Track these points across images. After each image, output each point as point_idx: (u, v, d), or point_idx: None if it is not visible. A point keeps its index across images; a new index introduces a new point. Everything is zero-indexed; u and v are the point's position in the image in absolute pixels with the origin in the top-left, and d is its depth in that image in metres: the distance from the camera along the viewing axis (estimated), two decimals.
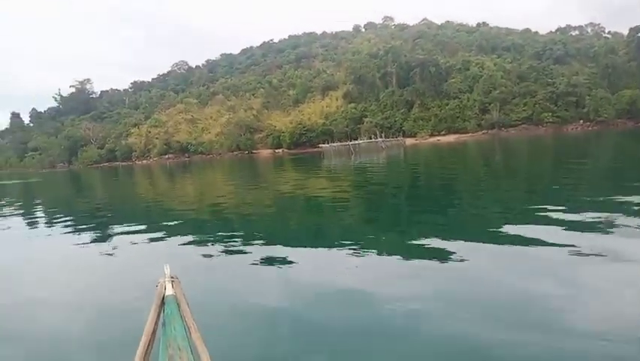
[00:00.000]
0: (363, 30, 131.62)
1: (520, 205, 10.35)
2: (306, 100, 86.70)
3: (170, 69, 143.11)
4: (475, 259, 6.18)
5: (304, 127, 76.28)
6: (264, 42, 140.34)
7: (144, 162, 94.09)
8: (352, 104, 77.70)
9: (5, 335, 5.05)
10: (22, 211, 18.55)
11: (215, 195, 19.92)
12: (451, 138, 65.37)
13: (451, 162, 29.10)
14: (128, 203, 20.33)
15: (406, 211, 11.71)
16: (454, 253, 6.45)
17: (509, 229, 7.60)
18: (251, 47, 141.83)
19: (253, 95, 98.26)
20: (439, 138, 66.85)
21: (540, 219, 8.16)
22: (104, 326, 5.00)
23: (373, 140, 60.72)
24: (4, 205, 21.50)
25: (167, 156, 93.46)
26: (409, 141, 64.97)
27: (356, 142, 58.73)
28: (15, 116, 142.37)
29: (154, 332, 2.41)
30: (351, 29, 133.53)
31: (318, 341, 4.19)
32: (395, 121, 72.39)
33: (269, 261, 6.96)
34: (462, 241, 7.14)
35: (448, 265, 6.01)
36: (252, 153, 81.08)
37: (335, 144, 59.87)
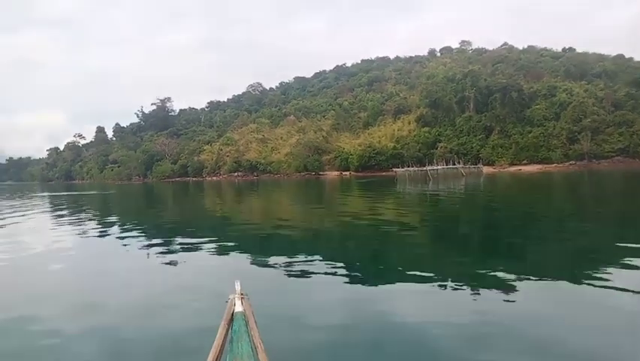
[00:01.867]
0: (439, 54, 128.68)
1: (609, 255, 8.51)
2: (376, 123, 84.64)
3: (245, 90, 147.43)
4: (539, 304, 5.80)
5: (374, 150, 74.01)
6: (337, 66, 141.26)
7: (214, 178, 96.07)
8: (426, 128, 74.54)
9: (74, 347, 4.92)
10: (99, 222, 18.71)
11: (282, 215, 19.64)
12: (533, 168, 60.43)
13: (545, 197, 25.74)
14: (198, 217, 20.23)
15: (480, 249, 10.22)
16: (519, 295, 6.08)
17: (591, 280, 6.64)
18: (324, 71, 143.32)
19: (324, 116, 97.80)
20: (520, 167, 62.08)
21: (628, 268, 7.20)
22: (173, 339, 4.96)
23: (452, 166, 57.21)
24: (84, 215, 21.73)
25: (236, 174, 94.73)
26: (487, 170, 60.75)
27: (434, 167, 55.37)
28: (100, 130, 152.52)
29: (222, 347, 2.42)
30: (426, 54, 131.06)
31: None
32: (472, 147, 68.30)
33: (332, 283, 6.94)
34: (533, 285, 6.53)
35: (509, 305, 5.77)
36: (319, 174, 79.85)
37: (411, 169, 56.68)
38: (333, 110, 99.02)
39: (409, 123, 78.91)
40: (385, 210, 18.98)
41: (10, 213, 22.99)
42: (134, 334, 5.24)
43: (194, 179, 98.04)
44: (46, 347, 4.94)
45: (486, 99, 72.35)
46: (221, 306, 2.93)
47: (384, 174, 66.64)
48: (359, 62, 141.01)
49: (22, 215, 21.72)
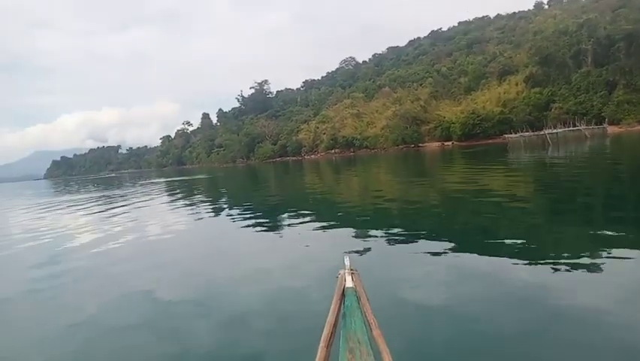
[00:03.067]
0: (547, 7, 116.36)
1: None
2: (479, 87, 78.81)
3: (338, 66, 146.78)
4: None
5: (478, 116, 69.02)
6: (432, 31, 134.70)
7: (312, 156, 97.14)
8: (536, 89, 67.69)
9: (194, 316, 5.25)
10: (210, 201, 20.69)
11: (382, 190, 19.29)
12: None
13: None
14: (300, 196, 20.93)
15: (606, 226, 8.07)
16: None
17: None
18: (418, 38, 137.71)
19: (421, 85, 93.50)
20: None
21: None
22: (284, 314, 5.06)
23: (573, 128, 51.51)
24: (197, 197, 23.83)
25: (333, 151, 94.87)
26: (612, 130, 53.82)
27: (553, 131, 49.96)
28: (205, 116, 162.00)
29: (336, 322, 2.44)
30: (531, 7, 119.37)
31: (492, 344, 3.96)
32: (592, 106, 60.81)
33: (439, 259, 6.66)
34: None
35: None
36: (418, 146, 76.82)
37: (526, 134, 51.42)
38: (431, 77, 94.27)
39: (517, 85, 72.27)
40: (496, 182, 17.08)
41: (133, 198, 25.85)
42: (251, 306, 5.41)
43: (293, 158, 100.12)
44: (167, 312, 5.52)
45: (607, 51, 63.88)
46: (332, 281, 2.93)
47: (490, 141, 62.08)
48: (456, 24, 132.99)
49: (146, 199, 24.23)
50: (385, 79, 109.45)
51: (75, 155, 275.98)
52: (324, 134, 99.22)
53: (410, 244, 7.76)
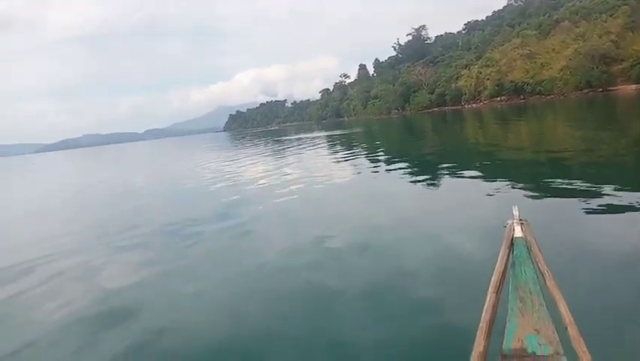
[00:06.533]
0: None
1: None
2: None
3: (505, 4, 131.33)
4: None
5: None
6: None
7: (473, 105, 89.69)
8: None
9: (352, 258, 5.74)
10: (367, 154, 21.21)
11: (556, 142, 17.42)
12: None
13: None
14: (460, 147, 20.32)
15: None
16: None
17: None
18: None
19: (611, 16, 77.88)
20: None
21: None
22: (448, 259, 5.22)
23: None
24: (355, 150, 24.45)
25: (499, 99, 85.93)
26: None
27: None
28: (362, 67, 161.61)
29: (504, 271, 2.46)
30: None
31: None
32: None
33: (621, 216, 5.91)
34: None
35: None
36: (607, 90, 64.69)
37: None
38: (625, 5, 77.66)
39: None
40: None
41: (298, 150, 28.78)
42: (416, 254, 5.54)
43: (452, 108, 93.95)
44: (335, 257, 5.89)
45: None
46: (498, 233, 2.86)
47: None
48: None
49: (310, 151, 26.59)
50: (564, 12, 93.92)
51: (248, 109, 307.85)
52: (488, 79, 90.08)
53: (589, 198, 6.95)
